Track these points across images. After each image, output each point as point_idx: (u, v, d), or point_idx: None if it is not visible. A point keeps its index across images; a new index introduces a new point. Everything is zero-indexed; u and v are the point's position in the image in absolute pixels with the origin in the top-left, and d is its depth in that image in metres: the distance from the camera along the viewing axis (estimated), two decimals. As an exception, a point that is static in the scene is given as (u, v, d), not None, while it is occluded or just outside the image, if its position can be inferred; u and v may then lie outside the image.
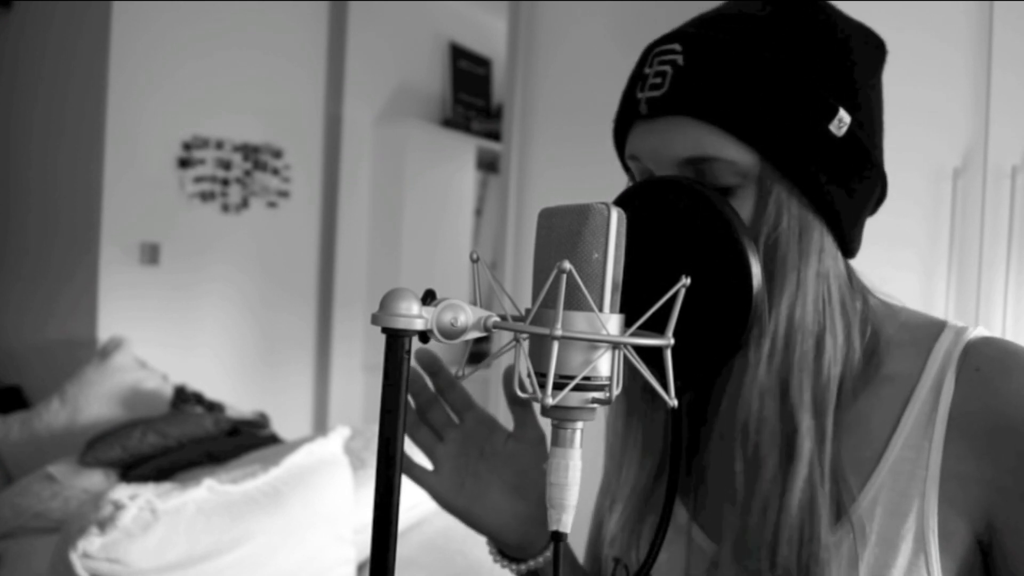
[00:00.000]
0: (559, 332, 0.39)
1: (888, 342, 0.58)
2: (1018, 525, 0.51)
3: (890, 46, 0.61)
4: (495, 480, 0.67)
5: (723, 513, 0.57)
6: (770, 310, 0.53)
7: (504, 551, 0.68)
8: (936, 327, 0.58)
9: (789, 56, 0.54)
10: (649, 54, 0.58)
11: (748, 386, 0.54)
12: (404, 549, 1.84)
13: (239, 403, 3.12)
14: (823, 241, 0.55)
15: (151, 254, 3.04)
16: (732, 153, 0.53)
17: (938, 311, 1.67)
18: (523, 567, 0.67)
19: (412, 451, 0.72)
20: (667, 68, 0.55)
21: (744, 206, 0.55)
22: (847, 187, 0.55)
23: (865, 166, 0.56)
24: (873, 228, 0.63)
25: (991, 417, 0.52)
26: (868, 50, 0.58)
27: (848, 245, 0.58)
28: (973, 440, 0.53)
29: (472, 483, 0.67)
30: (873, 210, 0.60)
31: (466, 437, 0.68)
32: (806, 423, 0.53)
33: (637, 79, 0.59)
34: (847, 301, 0.57)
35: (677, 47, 0.56)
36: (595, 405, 0.42)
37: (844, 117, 0.54)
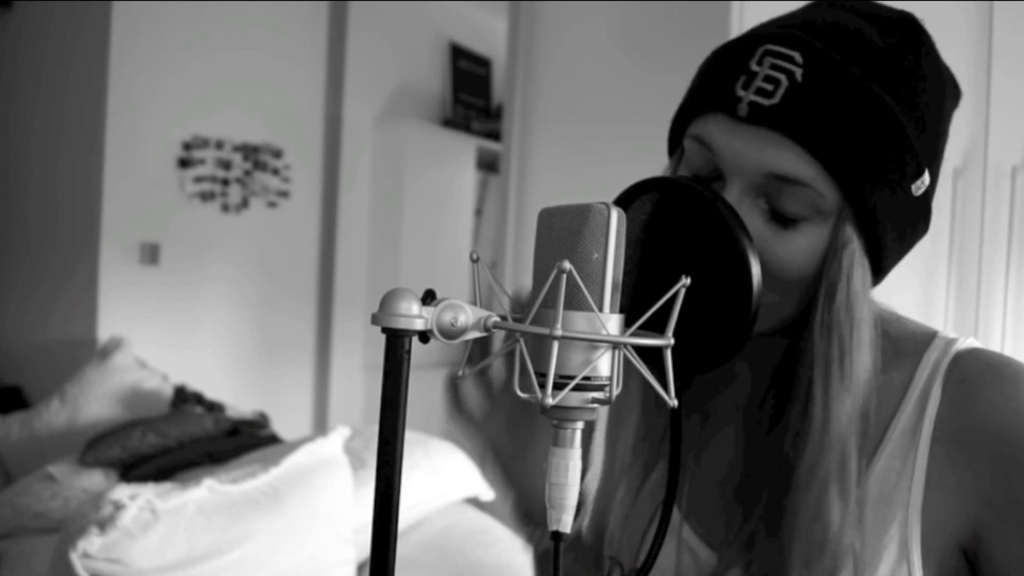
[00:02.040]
0: (559, 332, 0.39)
1: (882, 352, 0.58)
2: (1003, 534, 0.51)
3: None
4: (546, 435, 0.66)
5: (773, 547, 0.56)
6: (846, 359, 0.53)
7: (532, 514, 0.66)
8: (926, 337, 0.58)
9: (902, 106, 0.52)
10: (757, 48, 0.54)
11: (830, 437, 0.53)
12: (404, 549, 1.84)
13: (239, 403, 3.11)
14: (871, 286, 0.56)
15: (151, 254, 3.04)
16: (821, 186, 0.52)
17: (938, 311, 1.67)
18: (544, 537, 0.65)
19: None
20: (782, 77, 0.52)
21: (811, 243, 0.54)
22: (902, 244, 0.56)
23: (921, 228, 0.57)
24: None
25: (976, 428, 0.52)
26: (952, 107, 0.58)
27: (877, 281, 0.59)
28: (958, 450, 0.53)
29: (523, 431, 0.64)
30: None
31: None
32: (855, 474, 0.53)
33: (739, 71, 0.54)
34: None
35: (798, 58, 0.52)
36: (595, 405, 0.42)
37: (926, 179, 0.54)
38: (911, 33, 0.55)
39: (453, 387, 0.63)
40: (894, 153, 0.52)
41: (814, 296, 0.55)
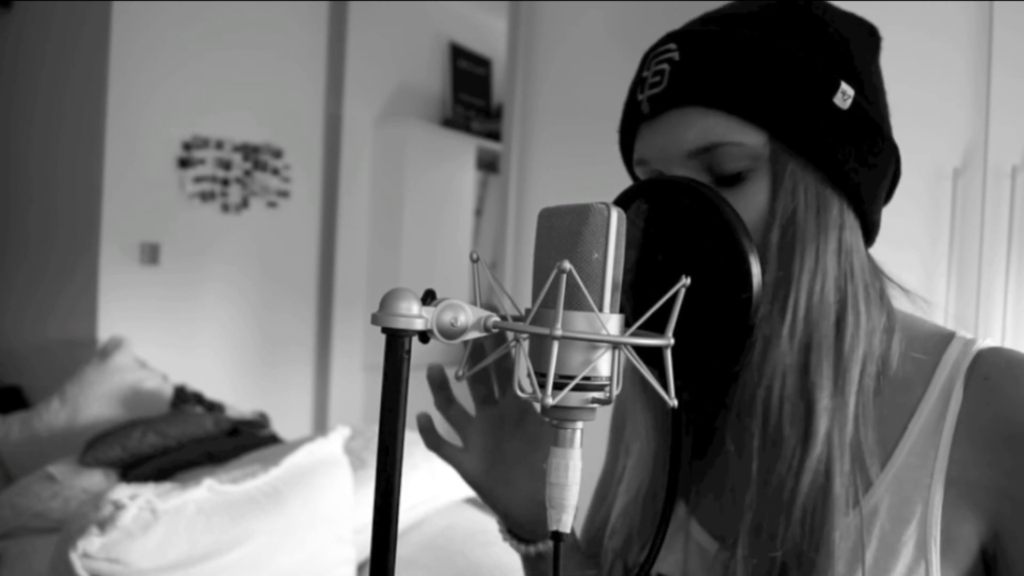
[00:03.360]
0: (559, 332, 0.39)
1: (899, 349, 0.58)
2: (1022, 532, 0.51)
3: (890, 46, 0.61)
4: (522, 462, 0.66)
5: (736, 496, 0.56)
6: (790, 285, 0.53)
7: (515, 531, 0.67)
8: (945, 337, 0.58)
9: (783, 39, 0.54)
10: (647, 59, 0.59)
11: (770, 363, 0.53)
12: (404, 549, 1.84)
13: (239, 403, 3.12)
14: (843, 217, 0.55)
15: (151, 254, 3.04)
16: (740, 136, 0.53)
17: (938, 311, 1.67)
18: (532, 548, 0.66)
19: (443, 429, 0.71)
20: (664, 66, 0.56)
21: (759, 190, 0.54)
22: (862, 160, 0.55)
23: (876, 138, 0.56)
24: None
25: (1000, 424, 0.52)
26: (862, 34, 0.58)
27: (869, 220, 0.57)
28: (981, 447, 0.52)
29: (500, 463, 0.66)
30: (890, 189, 0.60)
31: (500, 416, 0.67)
32: (823, 402, 0.53)
33: (637, 84, 0.59)
34: (869, 281, 0.57)
35: (672, 46, 0.56)
36: (595, 405, 0.42)
37: (847, 90, 0.54)
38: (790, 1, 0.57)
39: (429, 427, 0.66)
40: (786, 73, 0.53)
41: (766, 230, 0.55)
